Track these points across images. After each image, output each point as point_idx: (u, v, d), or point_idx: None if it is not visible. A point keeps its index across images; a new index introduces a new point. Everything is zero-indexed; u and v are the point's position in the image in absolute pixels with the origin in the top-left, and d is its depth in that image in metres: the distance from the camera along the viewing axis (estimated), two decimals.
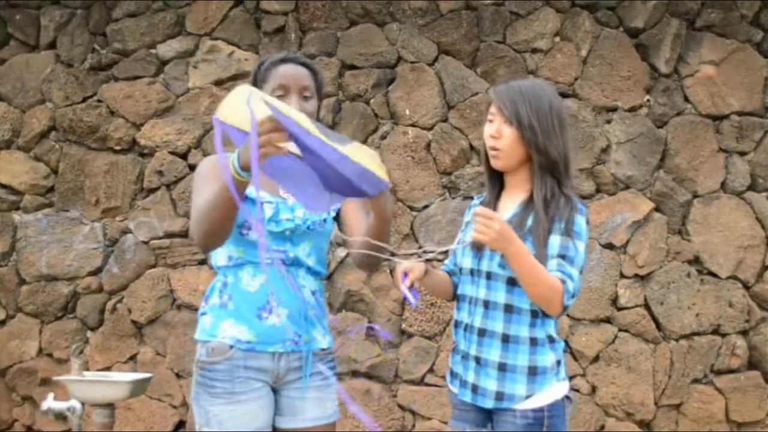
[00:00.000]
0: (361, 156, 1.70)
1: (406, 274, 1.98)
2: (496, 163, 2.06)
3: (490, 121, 2.06)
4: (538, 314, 1.99)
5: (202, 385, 2.06)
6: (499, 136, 2.02)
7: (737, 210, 3.99)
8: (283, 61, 2.09)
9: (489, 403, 2.00)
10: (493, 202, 2.10)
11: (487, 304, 2.01)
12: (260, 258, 1.99)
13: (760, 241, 3.98)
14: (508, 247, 1.86)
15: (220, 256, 2.11)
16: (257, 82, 2.09)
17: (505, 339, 1.99)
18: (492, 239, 1.84)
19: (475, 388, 2.02)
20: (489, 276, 2.01)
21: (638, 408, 3.90)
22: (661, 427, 3.92)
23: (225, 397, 2.02)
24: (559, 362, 2.03)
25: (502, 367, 1.98)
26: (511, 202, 2.07)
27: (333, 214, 2.15)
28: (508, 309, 1.99)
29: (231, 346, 2.04)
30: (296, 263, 2.08)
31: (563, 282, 1.90)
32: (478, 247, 2.04)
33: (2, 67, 4.24)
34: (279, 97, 2.01)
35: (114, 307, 4.08)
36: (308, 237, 2.09)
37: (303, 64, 2.10)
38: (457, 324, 2.11)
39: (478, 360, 2.01)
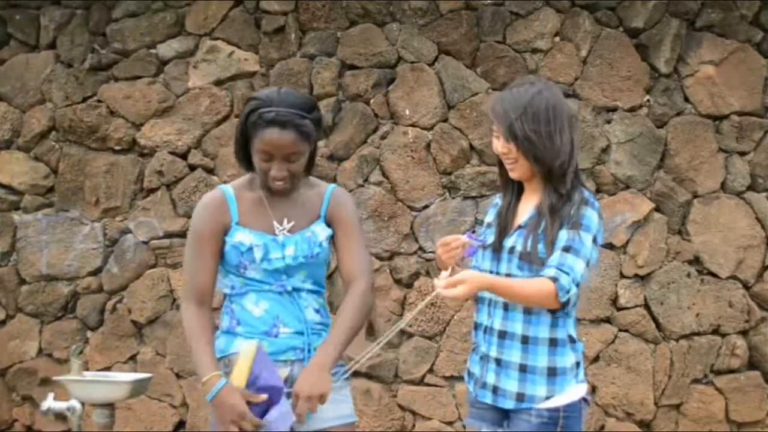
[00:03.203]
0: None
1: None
2: (513, 175, 2.06)
3: (496, 137, 2.05)
4: (558, 314, 1.98)
5: None
6: (508, 152, 2.02)
7: (737, 210, 3.98)
8: (270, 123, 1.99)
9: (509, 404, 2.00)
10: (513, 208, 2.10)
11: (506, 306, 2.01)
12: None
13: (760, 241, 3.98)
14: (483, 289, 1.95)
15: (224, 287, 2.16)
16: (247, 125, 2.04)
17: (525, 341, 1.99)
18: (464, 295, 1.90)
19: (495, 389, 2.02)
20: (508, 278, 2.00)
21: (638, 408, 3.90)
22: (661, 427, 3.92)
23: None
24: (578, 363, 2.03)
25: (522, 368, 1.98)
26: (527, 206, 2.07)
27: (326, 244, 2.15)
28: (528, 310, 1.98)
29: None
30: (296, 290, 2.12)
31: (555, 279, 1.89)
32: (497, 249, 2.04)
33: (2, 67, 4.23)
34: (263, 161, 2.03)
35: (114, 307, 4.08)
36: (303, 268, 2.12)
37: (293, 127, 2.00)
38: (476, 326, 2.11)
39: (498, 362, 2.01)
